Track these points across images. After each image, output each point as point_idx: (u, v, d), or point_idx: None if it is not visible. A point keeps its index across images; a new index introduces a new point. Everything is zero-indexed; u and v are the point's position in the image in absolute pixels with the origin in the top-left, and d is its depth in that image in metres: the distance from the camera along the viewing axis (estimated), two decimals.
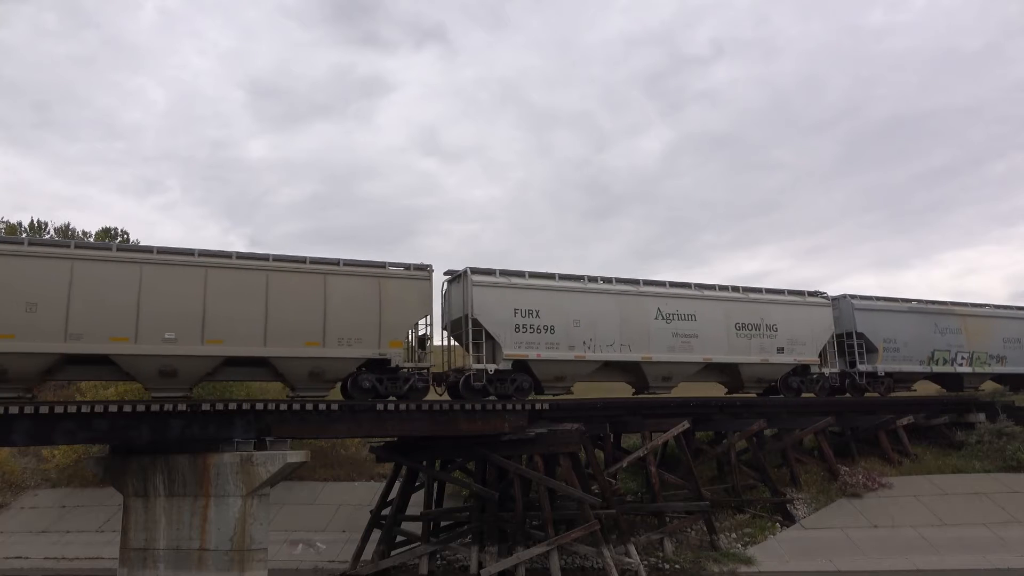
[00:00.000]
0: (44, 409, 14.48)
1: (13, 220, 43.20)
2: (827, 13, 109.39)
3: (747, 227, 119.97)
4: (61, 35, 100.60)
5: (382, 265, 19.59)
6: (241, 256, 18.13)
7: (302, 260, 18.74)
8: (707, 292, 24.49)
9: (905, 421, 27.04)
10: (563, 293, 21.81)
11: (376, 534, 21.45)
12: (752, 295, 25.31)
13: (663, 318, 23.15)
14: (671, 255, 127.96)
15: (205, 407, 15.67)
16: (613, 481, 22.57)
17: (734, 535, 22.38)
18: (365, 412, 17.62)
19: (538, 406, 20.03)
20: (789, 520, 23.07)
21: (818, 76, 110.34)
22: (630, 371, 23.23)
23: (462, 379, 20.17)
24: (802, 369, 25.78)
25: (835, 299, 27.34)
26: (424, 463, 21.55)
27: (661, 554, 21.28)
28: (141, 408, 15.11)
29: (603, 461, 22.97)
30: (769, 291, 25.95)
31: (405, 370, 19.18)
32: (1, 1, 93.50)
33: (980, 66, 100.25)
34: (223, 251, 18.03)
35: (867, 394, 27.52)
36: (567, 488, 19.84)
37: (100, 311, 16.36)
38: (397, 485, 22.09)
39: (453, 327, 21.37)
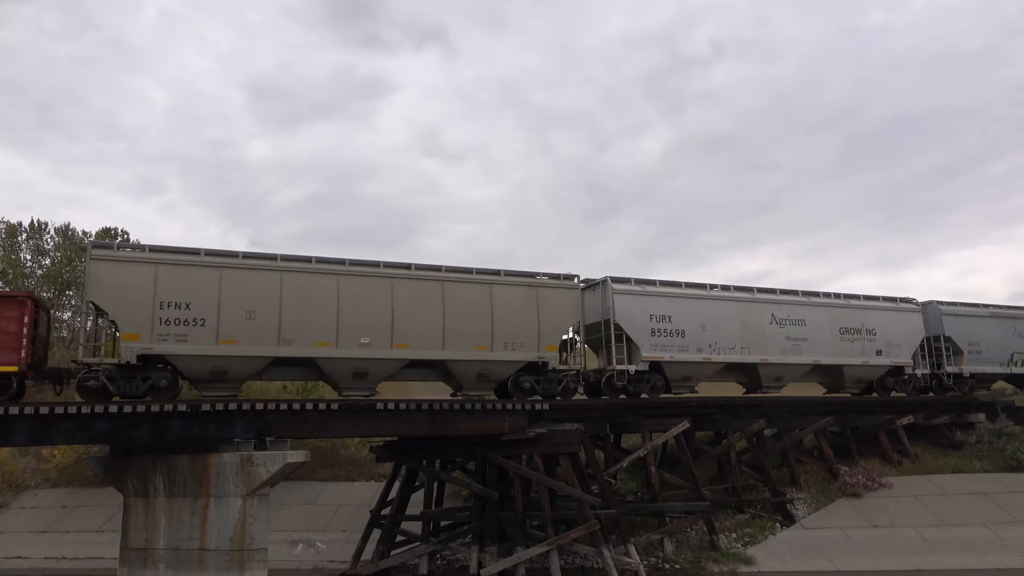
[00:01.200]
0: (44, 409, 14.46)
1: (13, 220, 43.25)
2: (827, 14, 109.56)
3: (747, 227, 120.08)
4: (62, 36, 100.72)
5: (533, 275, 21.54)
6: (419, 267, 20.02)
7: (469, 271, 20.67)
8: (813, 299, 26.54)
9: (905, 421, 27.03)
10: (691, 300, 23.85)
11: (376, 534, 21.45)
12: (853, 301, 27.36)
13: (777, 323, 25.15)
14: (671, 255, 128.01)
15: (205, 407, 15.66)
16: (613, 481, 22.57)
17: (734, 535, 22.38)
18: (365, 412, 17.61)
19: (537, 406, 20.05)
20: (789, 520, 23.08)
21: (818, 77, 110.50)
22: (746, 372, 25.16)
23: (604, 379, 22.06)
24: (896, 371, 27.60)
25: (923, 304, 29.05)
26: (424, 463, 21.55)
27: (661, 554, 21.28)
28: (141, 408, 15.08)
29: (603, 461, 22.96)
30: (867, 297, 27.98)
31: (559, 372, 20.93)
32: (2, 2, 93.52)
33: (979, 67, 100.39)
34: (404, 263, 19.98)
35: (950, 393, 29.07)
36: (567, 488, 19.84)
37: (306, 318, 18.22)
38: (397, 485, 22.08)
39: (588, 331, 22.91)
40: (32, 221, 43.48)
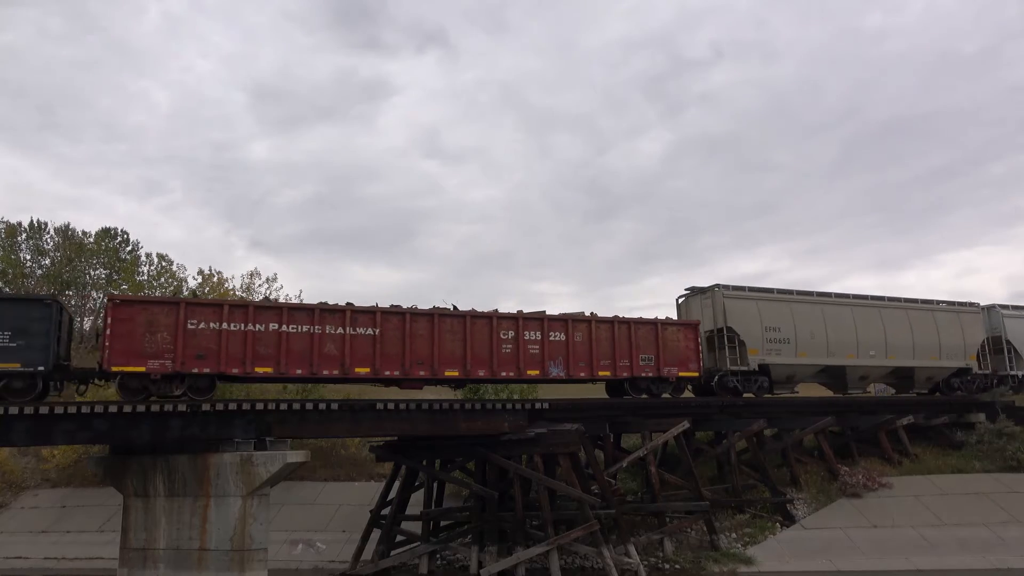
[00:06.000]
0: (44, 409, 14.45)
1: (14, 221, 43.22)
2: (826, 16, 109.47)
3: (747, 228, 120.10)
4: (65, 38, 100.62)
5: (934, 302, 29.51)
6: (890, 299, 28.46)
7: (915, 301, 29.12)
8: None
9: (905, 421, 27.05)
10: None
11: (376, 534, 21.44)
12: None
13: None
14: (671, 256, 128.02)
15: (205, 407, 15.65)
16: (613, 481, 22.55)
17: (734, 535, 22.37)
18: (365, 412, 17.61)
19: (538, 406, 20.04)
20: (789, 520, 23.08)
21: (817, 78, 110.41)
22: None
23: (995, 380, 30.01)
24: None
25: None
26: (424, 463, 21.54)
27: (661, 554, 21.27)
28: (141, 408, 15.08)
29: (603, 461, 22.95)
30: None
31: (976, 375, 29.11)
32: (6, 5, 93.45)
33: (978, 68, 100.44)
34: (879, 295, 28.57)
35: None
36: (567, 488, 19.84)
37: (840, 337, 26.37)
38: (397, 485, 22.07)
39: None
40: (32, 221, 43.52)
